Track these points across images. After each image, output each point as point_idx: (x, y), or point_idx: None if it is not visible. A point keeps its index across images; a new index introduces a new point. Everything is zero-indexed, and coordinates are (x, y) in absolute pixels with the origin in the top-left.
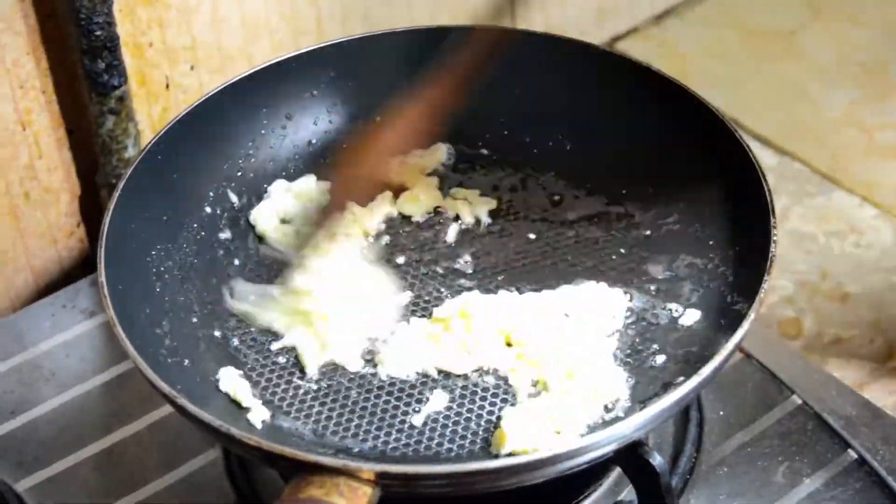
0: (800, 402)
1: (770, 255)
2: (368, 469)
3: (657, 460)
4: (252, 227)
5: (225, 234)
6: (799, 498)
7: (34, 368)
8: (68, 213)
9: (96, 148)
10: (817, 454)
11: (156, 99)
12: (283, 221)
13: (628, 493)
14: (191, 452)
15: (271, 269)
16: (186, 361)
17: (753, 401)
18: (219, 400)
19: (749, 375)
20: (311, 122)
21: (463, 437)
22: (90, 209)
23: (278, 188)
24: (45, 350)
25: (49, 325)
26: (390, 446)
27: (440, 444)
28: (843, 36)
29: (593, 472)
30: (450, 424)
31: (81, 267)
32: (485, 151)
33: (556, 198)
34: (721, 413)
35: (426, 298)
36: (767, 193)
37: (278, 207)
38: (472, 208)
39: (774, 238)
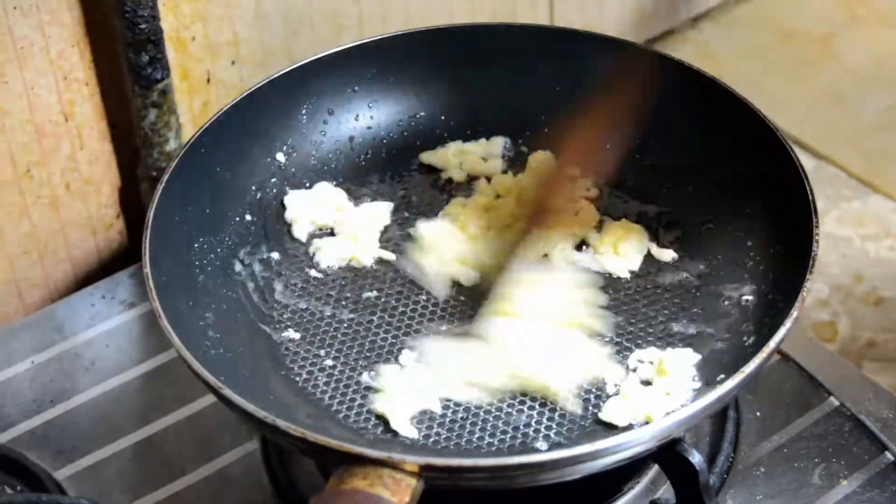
0: (837, 403)
1: (812, 253)
2: (412, 461)
3: (696, 458)
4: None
5: (267, 228)
6: (835, 500)
7: (74, 358)
8: (108, 204)
9: (138, 140)
10: (854, 456)
11: (197, 93)
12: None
13: (665, 490)
14: (228, 445)
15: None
16: (229, 354)
17: (790, 402)
18: (261, 392)
19: (786, 377)
20: (353, 118)
21: (504, 433)
22: (130, 201)
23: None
24: (85, 340)
25: (89, 316)
26: (431, 439)
27: (481, 439)
28: (879, 40)
29: (631, 470)
30: (490, 419)
31: (120, 258)
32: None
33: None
34: (758, 414)
35: None
36: (809, 192)
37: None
38: None
39: (816, 237)
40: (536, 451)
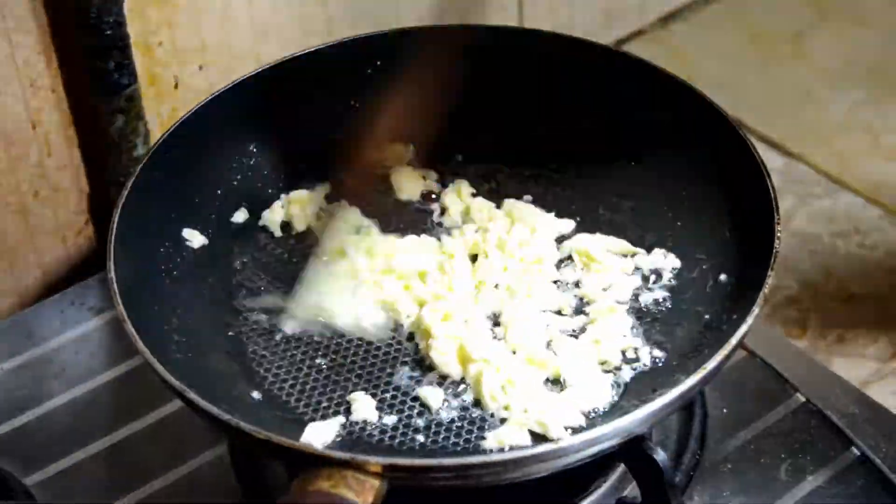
0: (803, 399)
1: (774, 249)
2: (376, 462)
3: (660, 456)
4: (260, 227)
5: (231, 232)
6: (802, 495)
7: (44, 365)
8: (77, 211)
9: (105, 147)
10: (820, 452)
11: (165, 99)
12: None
13: (632, 489)
14: (198, 448)
15: (277, 267)
16: (196, 357)
17: (757, 398)
18: (227, 395)
19: (753, 373)
20: (319, 122)
21: (469, 432)
22: (99, 207)
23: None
24: (55, 346)
25: (58, 323)
26: (397, 440)
27: (446, 439)
28: (849, 38)
29: (597, 469)
30: (455, 419)
31: (90, 265)
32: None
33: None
34: (725, 411)
35: None
36: (771, 188)
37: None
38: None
39: (778, 233)
40: (500, 450)
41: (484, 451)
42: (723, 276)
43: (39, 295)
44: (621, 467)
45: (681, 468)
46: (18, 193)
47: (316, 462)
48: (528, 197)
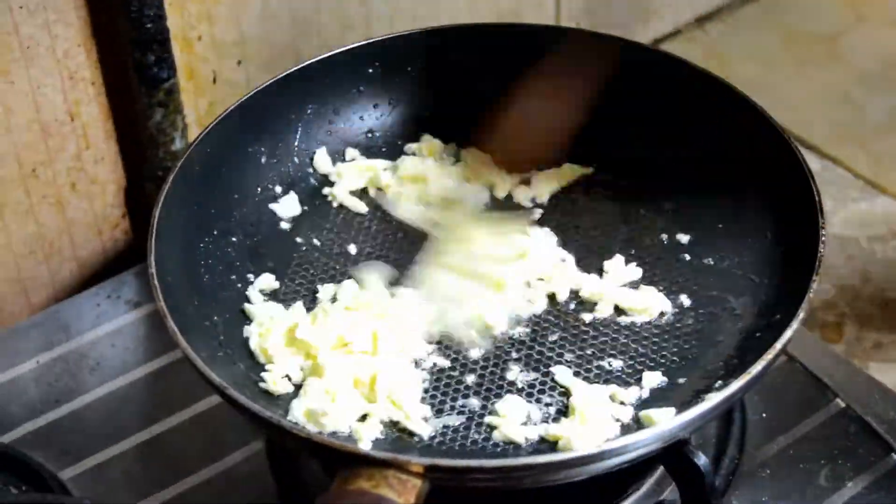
0: (843, 405)
1: (819, 254)
2: (418, 462)
3: (702, 460)
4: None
5: (271, 228)
6: (842, 501)
7: (80, 358)
8: (114, 204)
9: (143, 140)
10: (860, 458)
11: (203, 93)
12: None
13: (670, 492)
14: (233, 445)
15: (315, 264)
16: (234, 353)
17: (796, 403)
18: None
19: (792, 378)
20: (358, 118)
21: None
22: (135, 201)
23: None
24: (91, 340)
25: (94, 316)
26: (437, 440)
27: (486, 440)
28: (886, 40)
29: (636, 472)
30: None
31: (125, 258)
32: None
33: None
34: (764, 415)
35: None
36: (815, 192)
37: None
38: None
39: (823, 237)
40: (542, 452)
41: (527, 453)
42: (765, 280)
43: (74, 288)
44: (659, 470)
45: (720, 473)
46: (56, 185)
47: (357, 461)
48: None
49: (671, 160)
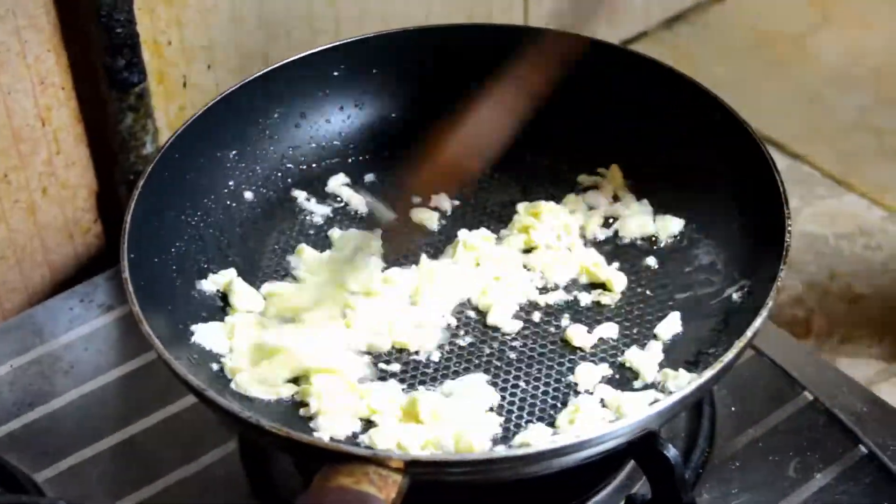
0: (811, 398)
1: (785, 245)
2: (398, 457)
3: (671, 452)
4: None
5: (240, 233)
6: (810, 492)
7: (54, 361)
8: (85, 208)
9: (114, 144)
10: (828, 449)
11: (173, 97)
12: None
13: (641, 486)
14: (207, 445)
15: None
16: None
17: (765, 397)
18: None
19: (760, 372)
20: (325, 121)
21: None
22: (107, 205)
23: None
24: (64, 343)
25: (68, 320)
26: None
27: None
28: (854, 40)
29: (607, 466)
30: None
31: (98, 262)
32: None
33: None
34: (733, 409)
35: None
36: (780, 184)
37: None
38: None
39: (789, 228)
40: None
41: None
42: (733, 272)
43: (47, 293)
44: (629, 465)
45: (690, 465)
46: (27, 190)
47: (337, 458)
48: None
49: (640, 159)
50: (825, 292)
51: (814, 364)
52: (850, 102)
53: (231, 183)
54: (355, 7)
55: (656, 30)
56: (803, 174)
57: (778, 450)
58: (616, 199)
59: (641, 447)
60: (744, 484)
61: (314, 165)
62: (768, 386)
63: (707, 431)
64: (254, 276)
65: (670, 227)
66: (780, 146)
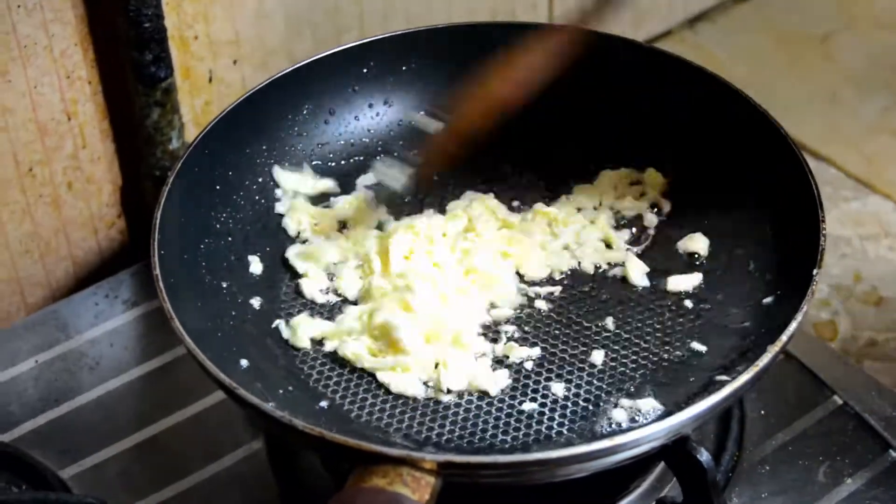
0: (841, 402)
1: (820, 248)
2: (432, 459)
3: (704, 456)
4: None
5: (271, 228)
6: (840, 497)
7: (78, 357)
8: (110, 203)
9: (140, 139)
10: (858, 454)
11: (199, 92)
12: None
13: (671, 488)
14: (233, 444)
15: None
16: (239, 352)
17: (794, 401)
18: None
19: (790, 376)
20: (353, 118)
21: (516, 430)
22: (132, 201)
23: None
24: (89, 339)
25: (92, 315)
26: (444, 437)
27: (494, 436)
28: (876, 41)
29: (638, 468)
30: (502, 416)
31: (122, 258)
32: None
33: None
34: (762, 412)
35: None
36: (814, 185)
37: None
38: None
39: (824, 232)
40: (553, 447)
41: (537, 449)
42: (766, 275)
43: (70, 288)
44: (659, 467)
45: (719, 469)
46: (52, 185)
47: (371, 459)
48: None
49: (672, 162)
50: (851, 294)
51: (842, 367)
52: (874, 103)
53: (260, 179)
54: (380, 3)
55: (679, 29)
56: (828, 176)
57: (807, 454)
58: (653, 206)
59: (674, 451)
60: (773, 488)
61: (343, 162)
62: (797, 389)
63: (736, 435)
64: (282, 273)
65: (697, 246)
66: (804, 147)
